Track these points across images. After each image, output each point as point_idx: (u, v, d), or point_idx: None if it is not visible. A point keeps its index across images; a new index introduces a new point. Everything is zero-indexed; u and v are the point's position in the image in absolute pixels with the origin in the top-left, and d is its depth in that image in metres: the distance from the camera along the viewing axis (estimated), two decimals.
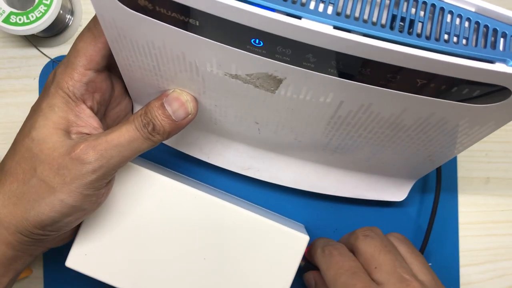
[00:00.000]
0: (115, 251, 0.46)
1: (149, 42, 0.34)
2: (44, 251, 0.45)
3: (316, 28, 0.27)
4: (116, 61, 0.40)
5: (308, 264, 0.51)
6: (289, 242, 0.46)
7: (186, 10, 0.29)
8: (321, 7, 0.28)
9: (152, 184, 0.46)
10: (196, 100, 0.41)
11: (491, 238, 0.58)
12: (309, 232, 0.49)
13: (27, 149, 0.41)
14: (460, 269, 0.57)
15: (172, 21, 0.30)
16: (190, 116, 0.42)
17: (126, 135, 0.40)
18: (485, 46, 0.29)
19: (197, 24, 0.30)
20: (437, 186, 0.54)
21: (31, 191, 0.40)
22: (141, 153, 0.42)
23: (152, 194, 0.46)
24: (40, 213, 0.40)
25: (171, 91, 0.41)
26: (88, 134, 0.42)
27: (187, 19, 0.30)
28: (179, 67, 0.37)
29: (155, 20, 0.31)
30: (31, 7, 0.51)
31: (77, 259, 0.46)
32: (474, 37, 0.29)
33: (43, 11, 0.51)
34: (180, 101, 0.41)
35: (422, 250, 0.54)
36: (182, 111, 0.41)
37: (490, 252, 0.58)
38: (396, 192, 0.53)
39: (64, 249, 0.46)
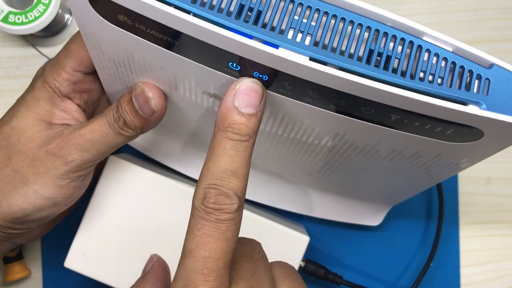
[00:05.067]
0: (113, 252, 0.45)
1: (129, 55, 0.33)
2: (11, 248, 0.44)
3: (292, 59, 0.26)
4: (96, 69, 0.39)
5: (308, 264, 0.50)
6: (290, 243, 0.46)
7: (165, 29, 0.27)
8: (299, 37, 0.27)
9: (151, 184, 0.45)
10: (163, 97, 0.38)
11: (492, 239, 0.57)
12: (309, 232, 0.48)
13: (4, 137, 0.39)
14: (460, 270, 0.56)
15: (151, 38, 0.29)
16: (157, 113, 0.38)
17: (98, 130, 0.38)
18: (459, 87, 0.27)
19: (175, 43, 0.28)
20: (440, 201, 0.54)
21: (4, 181, 0.38)
22: (118, 147, 0.40)
23: (151, 195, 0.45)
24: (12, 204, 0.38)
25: (138, 84, 0.37)
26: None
27: (165, 38, 0.28)
28: (158, 82, 0.36)
29: (134, 36, 0.29)
30: (30, 7, 0.50)
31: (76, 260, 0.45)
32: (450, 77, 0.27)
33: (41, 10, 0.50)
34: (143, 97, 0.37)
35: (432, 254, 0.53)
36: (146, 107, 0.37)
37: (491, 252, 0.57)
38: (371, 216, 0.52)
39: (63, 250, 0.45)
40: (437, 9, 0.56)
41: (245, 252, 0.34)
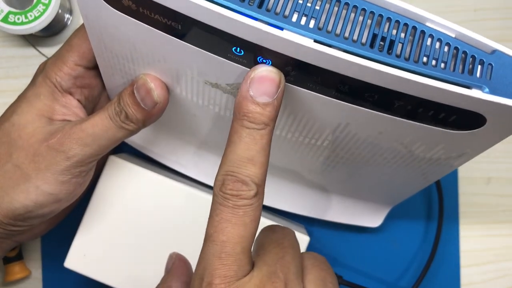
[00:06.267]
0: (113, 252, 0.45)
1: (131, 44, 0.33)
2: (13, 246, 0.44)
3: (296, 40, 0.26)
4: (97, 61, 0.39)
5: None
6: None
7: (169, 13, 0.27)
8: (303, 20, 0.27)
9: (151, 184, 0.45)
10: (165, 88, 0.38)
11: (492, 239, 0.56)
12: (309, 232, 0.48)
13: (5, 133, 0.39)
14: (461, 270, 0.56)
15: (155, 24, 0.29)
16: (159, 104, 0.38)
17: (99, 124, 0.38)
18: (462, 72, 0.28)
19: (179, 28, 0.28)
20: (440, 201, 0.53)
21: (5, 177, 0.38)
22: (120, 141, 0.39)
23: (151, 195, 0.45)
24: (14, 200, 0.38)
25: (140, 76, 0.37)
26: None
27: (169, 22, 0.28)
28: (160, 73, 0.36)
29: (138, 22, 0.29)
30: (30, 7, 0.50)
31: (76, 260, 0.45)
32: (453, 62, 0.28)
33: (41, 10, 0.50)
34: (145, 89, 0.37)
35: (432, 254, 0.53)
36: (148, 99, 0.37)
37: (491, 252, 0.56)
38: (371, 218, 0.52)
39: (63, 250, 0.45)
40: (437, 9, 0.57)
41: (275, 239, 0.34)
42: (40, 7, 0.50)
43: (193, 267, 0.44)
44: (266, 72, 0.29)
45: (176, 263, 0.43)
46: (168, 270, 0.43)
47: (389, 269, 0.56)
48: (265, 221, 0.46)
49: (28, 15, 0.50)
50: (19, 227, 0.40)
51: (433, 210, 0.56)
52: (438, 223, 0.54)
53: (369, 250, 0.56)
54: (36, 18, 0.50)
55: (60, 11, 0.52)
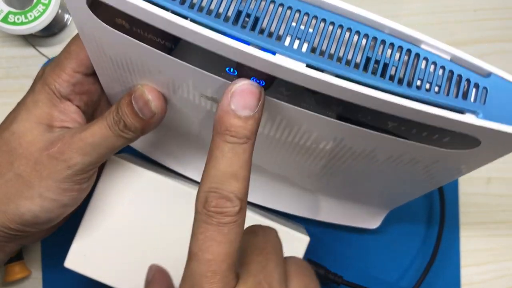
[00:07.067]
0: (114, 252, 0.45)
1: (127, 58, 0.33)
2: (17, 249, 0.44)
3: (288, 65, 0.26)
4: (96, 70, 0.39)
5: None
6: (289, 243, 0.45)
7: (162, 34, 0.27)
8: (296, 43, 0.27)
9: (151, 185, 0.45)
10: (162, 99, 0.38)
11: (492, 239, 0.57)
12: (309, 233, 0.48)
13: (5, 142, 0.39)
14: (461, 270, 0.56)
15: (149, 42, 0.29)
16: (156, 115, 0.38)
17: (98, 133, 0.38)
18: (456, 96, 0.27)
19: (173, 47, 0.28)
20: (441, 201, 0.53)
21: (8, 185, 0.38)
22: (119, 149, 0.40)
23: (151, 195, 0.45)
24: (20, 206, 0.38)
25: (137, 87, 0.37)
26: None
27: (163, 42, 0.28)
28: (157, 84, 0.36)
29: (132, 39, 0.29)
30: (30, 7, 0.50)
31: (76, 260, 0.45)
32: (447, 86, 0.27)
33: (41, 10, 0.50)
34: (143, 100, 0.37)
35: (433, 254, 0.53)
36: (146, 110, 0.37)
37: (491, 252, 0.56)
38: (369, 219, 0.52)
39: (63, 250, 0.45)
40: (436, 9, 0.56)
41: (257, 244, 0.33)
42: (40, 7, 0.50)
43: None
44: (246, 85, 0.29)
45: (157, 275, 0.42)
46: (148, 282, 0.42)
47: (389, 269, 0.56)
48: (265, 222, 0.46)
49: (28, 15, 0.50)
50: (27, 232, 0.40)
51: (434, 210, 0.56)
52: (440, 224, 0.54)
53: (369, 250, 0.56)
54: (36, 18, 0.50)
55: (60, 11, 0.52)
